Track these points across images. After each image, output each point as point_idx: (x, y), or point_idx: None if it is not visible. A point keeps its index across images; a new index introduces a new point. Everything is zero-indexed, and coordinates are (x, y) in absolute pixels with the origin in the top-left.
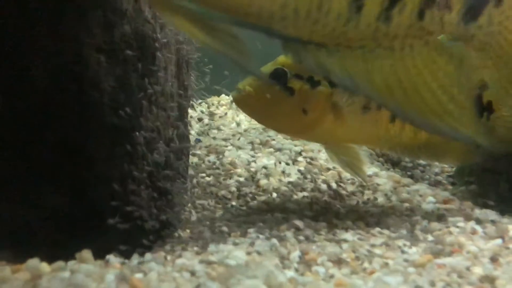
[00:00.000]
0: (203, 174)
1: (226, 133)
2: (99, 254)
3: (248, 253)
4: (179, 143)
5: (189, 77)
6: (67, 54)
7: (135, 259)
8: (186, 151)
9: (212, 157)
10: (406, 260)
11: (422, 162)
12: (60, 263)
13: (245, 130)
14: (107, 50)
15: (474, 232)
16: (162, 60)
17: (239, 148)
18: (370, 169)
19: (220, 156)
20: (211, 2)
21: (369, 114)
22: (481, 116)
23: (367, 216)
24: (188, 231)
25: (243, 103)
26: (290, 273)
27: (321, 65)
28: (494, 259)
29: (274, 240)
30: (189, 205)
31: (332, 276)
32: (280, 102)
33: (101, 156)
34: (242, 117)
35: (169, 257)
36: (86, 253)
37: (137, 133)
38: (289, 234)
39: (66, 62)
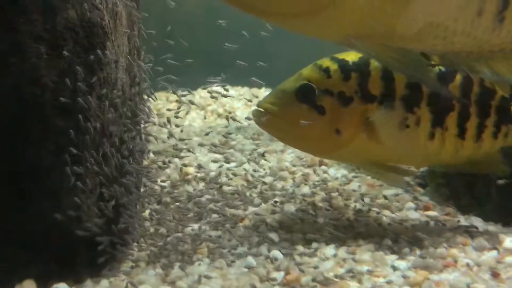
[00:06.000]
0: (158, 181)
1: (180, 132)
2: (44, 282)
3: (223, 276)
4: (132, 146)
5: (141, 70)
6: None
7: (89, 286)
8: (140, 155)
9: (167, 160)
10: (399, 278)
11: None
12: None
13: (201, 129)
14: (49, 40)
15: (464, 243)
16: (113, 51)
17: (196, 149)
18: (338, 172)
19: (176, 159)
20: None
21: (405, 131)
22: None
23: (346, 226)
24: (144, 247)
25: (266, 123)
26: None
27: (471, 68)
28: (495, 275)
29: (250, 258)
30: (145, 217)
31: None
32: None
33: (44, 164)
34: (195, 114)
35: (128, 285)
36: (29, 284)
37: (85, 136)
38: (263, 249)
39: None
